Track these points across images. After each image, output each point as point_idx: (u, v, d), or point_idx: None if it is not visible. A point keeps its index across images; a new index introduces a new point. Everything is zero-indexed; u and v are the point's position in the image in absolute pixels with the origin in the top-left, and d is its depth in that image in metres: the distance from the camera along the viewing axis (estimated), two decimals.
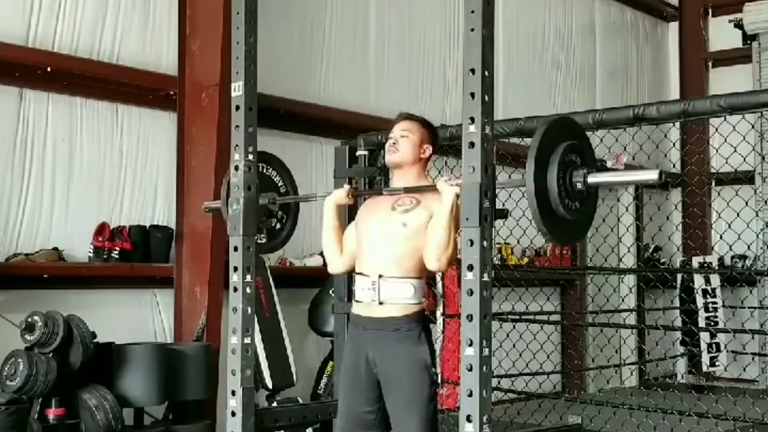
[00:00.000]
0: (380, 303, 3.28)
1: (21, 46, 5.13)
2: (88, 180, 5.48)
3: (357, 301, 3.38)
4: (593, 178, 2.89)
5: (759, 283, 9.07)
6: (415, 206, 3.32)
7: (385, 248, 3.31)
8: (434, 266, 3.23)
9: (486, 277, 2.78)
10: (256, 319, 3.97)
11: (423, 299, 3.35)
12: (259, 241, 3.81)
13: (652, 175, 2.79)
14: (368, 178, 4.87)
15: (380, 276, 3.27)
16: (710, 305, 8.96)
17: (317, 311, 6.17)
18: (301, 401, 5.72)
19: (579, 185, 2.88)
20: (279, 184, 3.98)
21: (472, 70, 2.83)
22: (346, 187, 3.59)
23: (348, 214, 3.92)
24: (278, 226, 3.94)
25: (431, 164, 3.58)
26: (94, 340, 4.72)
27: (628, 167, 8.65)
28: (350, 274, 3.61)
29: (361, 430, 3.37)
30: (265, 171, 3.91)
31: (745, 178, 8.14)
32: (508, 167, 7.01)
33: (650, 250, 9.94)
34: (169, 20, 5.82)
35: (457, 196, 2.99)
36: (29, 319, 4.54)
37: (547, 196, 2.82)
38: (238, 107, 3.67)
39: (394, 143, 3.42)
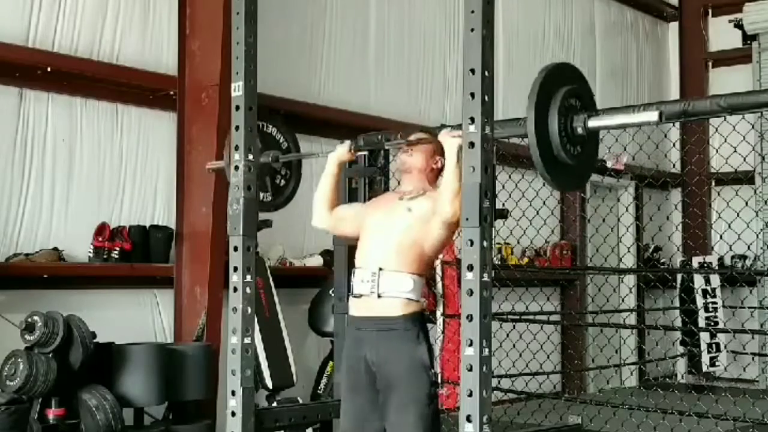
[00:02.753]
0: (379, 296, 3.27)
1: (21, 46, 5.13)
2: (88, 180, 5.48)
3: (354, 297, 3.37)
4: (594, 122, 2.92)
5: (759, 283, 9.07)
6: (421, 195, 3.39)
7: (388, 239, 3.32)
8: (448, 210, 3.19)
9: (486, 277, 2.78)
10: (256, 319, 3.98)
11: (422, 299, 3.36)
12: (265, 200, 3.86)
13: (652, 116, 2.83)
14: (368, 178, 4.87)
15: (380, 269, 3.28)
16: (710, 305, 8.96)
17: (317, 311, 6.17)
18: (301, 401, 5.71)
19: (579, 130, 2.91)
20: (280, 141, 4.00)
21: (472, 70, 2.83)
22: (348, 142, 3.66)
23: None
24: (282, 182, 3.99)
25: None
26: (94, 340, 4.72)
27: (628, 167, 8.67)
28: (351, 272, 3.60)
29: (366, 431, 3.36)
30: (266, 129, 3.93)
31: (745, 178, 8.14)
32: (508, 167, 7.03)
33: (650, 250, 9.94)
34: (169, 20, 5.82)
35: (460, 147, 2.99)
36: (29, 319, 4.54)
37: (549, 141, 2.85)
38: (238, 107, 3.67)
39: (409, 148, 3.50)
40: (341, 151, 3.61)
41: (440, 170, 3.51)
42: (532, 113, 2.80)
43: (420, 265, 3.32)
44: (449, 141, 3.22)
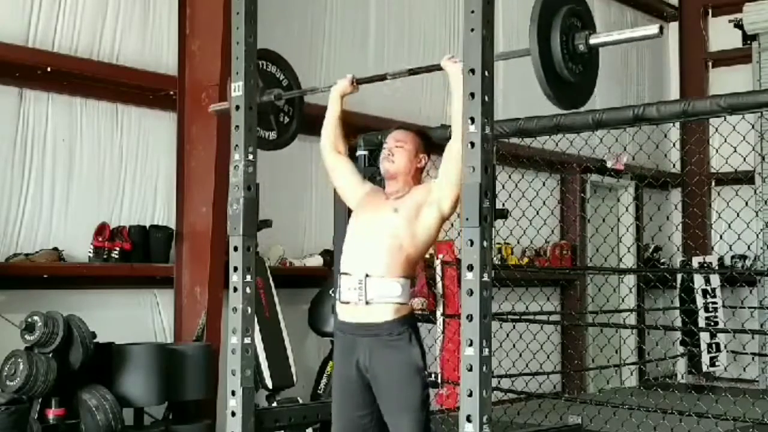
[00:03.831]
0: (367, 303, 3.25)
1: (21, 46, 5.13)
2: (88, 180, 5.48)
3: (343, 303, 3.34)
4: (595, 39, 2.98)
5: (759, 283, 9.07)
6: (407, 193, 3.37)
7: (374, 241, 3.29)
8: (458, 119, 3.06)
9: (486, 277, 2.78)
10: (256, 319, 3.98)
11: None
12: (270, 138, 3.98)
13: (652, 30, 2.89)
14: (368, 178, 4.86)
15: (367, 275, 3.25)
16: (710, 305, 8.95)
17: (317, 311, 6.17)
18: (301, 401, 5.72)
19: (581, 47, 2.96)
20: (281, 79, 4.06)
21: (472, 70, 2.83)
22: (349, 76, 3.73)
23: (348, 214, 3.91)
24: (286, 120, 4.07)
25: (431, 166, 3.56)
26: (94, 340, 4.72)
27: (628, 167, 8.69)
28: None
29: None
30: (266, 68, 3.97)
31: (745, 178, 8.14)
32: (508, 167, 7.03)
33: (650, 250, 9.94)
34: (169, 20, 5.82)
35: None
36: (29, 319, 4.54)
37: (551, 59, 2.89)
38: (238, 107, 3.67)
39: (389, 154, 3.43)
40: (343, 84, 3.70)
41: (423, 168, 3.48)
42: (535, 31, 2.84)
43: (407, 268, 3.29)
44: (452, 66, 3.17)
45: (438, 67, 3.36)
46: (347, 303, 3.32)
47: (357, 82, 3.72)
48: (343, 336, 3.39)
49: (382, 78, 3.73)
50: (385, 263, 3.25)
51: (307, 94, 4.10)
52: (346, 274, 3.33)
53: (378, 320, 3.25)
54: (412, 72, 3.49)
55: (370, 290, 3.24)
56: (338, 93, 3.70)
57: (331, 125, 3.68)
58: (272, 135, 4.04)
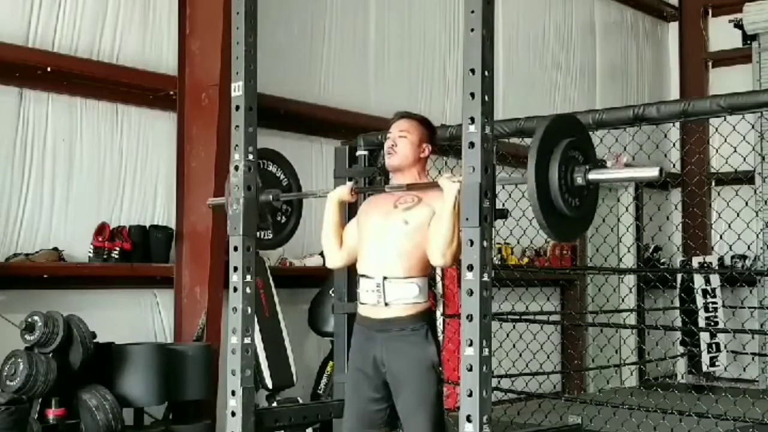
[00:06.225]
0: (386, 304, 3.29)
1: (21, 46, 5.13)
2: (88, 180, 5.49)
3: (362, 303, 3.39)
4: (594, 175, 2.91)
5: (759, 283, 9.06)
6: (417, 204, 3.34)
7: (388, 247, 3.31)
8: (439, 262, 3.22)
9: (486, 277, 2.78)
10: (256, 319, 3.97)
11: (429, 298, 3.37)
12: (266, 238, 3.86)
13: (652, 173, 2.82)
14: (368, 178, 4.88)
15: (385, 278, 3.28)
16: (710, 305, 8.96)
17: (317, 311, 6.17)
18: (301, 401, 5.72)
19: (580, 181, 2.90)
20: (281, 179, 4.00)
21: (472, 70, 2.83)
22: (349, 184, 3.65)
23: (348, 211, 3.92)
24: (283, 219, 3.98)
25: (431, 164, 3.57)
26: (94, 340, 4.72)
27: (628, 167, 8.68)
28: (351, 272, 3.62)
29: (370, 428, 3.38)
30: (266, 167, 3.93)
31: (745, 178, 8.14)
32: (508, 167, 7.03)
33: (650, 250, 9.93)
34: (169, 20, 5.82)
35: (459, 192, 2.99)
36: (29, 319, 4.55)
37: (548, 191, 2.84)
38: (238, 107, 3.67)
39: (393, 145, 3.42)
40: (341, 191, 3.55)
41: (427, 158, 3.47)
42: (534, 163, 2.79)
43: (423, 268, 3.31)
44: (448, 185, 3.13)
45: (436, 184, 3.22)
46: (366, 304, 3.35)
47: (356, 192, 3.61)
48: (360, 329, 3.42)
49: (381, 189, 3.64)
50: (402, 265, 3.28)
51: (306, 197, 4.04)
52: (364, 276, 3.35)
53: (396, 315, 3.28)
54: (410, 187, 3.37)
55: (388, 293, 3.28)
56: (336, 199, 3.52)
57: (332, 235, 3.51)
58: (268, 234, 3.89)
